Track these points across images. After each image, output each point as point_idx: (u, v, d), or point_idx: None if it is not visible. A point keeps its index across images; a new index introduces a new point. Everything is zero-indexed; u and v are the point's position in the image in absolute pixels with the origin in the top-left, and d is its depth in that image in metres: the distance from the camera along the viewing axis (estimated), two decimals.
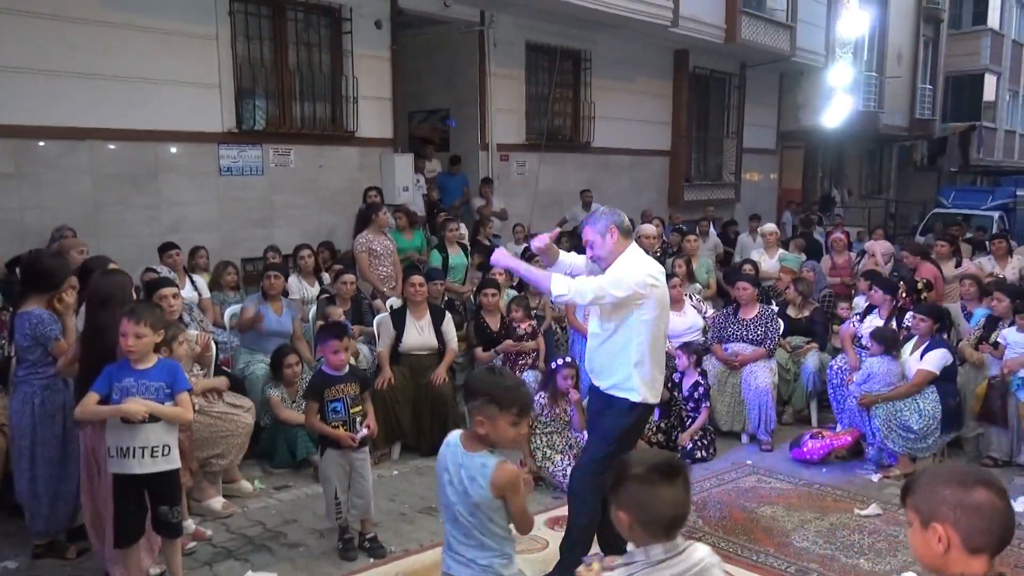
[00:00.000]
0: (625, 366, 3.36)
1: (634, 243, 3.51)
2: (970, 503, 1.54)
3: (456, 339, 5.66)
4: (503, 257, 3.51)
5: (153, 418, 3.07)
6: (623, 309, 3.33)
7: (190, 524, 3.95)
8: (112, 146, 6.92)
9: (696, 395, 5.63)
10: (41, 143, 6.53)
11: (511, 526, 2.39)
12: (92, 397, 3.06)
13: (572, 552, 3.55)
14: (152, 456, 3.09)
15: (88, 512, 3.40)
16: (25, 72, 6.26)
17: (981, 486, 1.55)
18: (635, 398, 3.37)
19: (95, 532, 3.42)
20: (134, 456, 3.07)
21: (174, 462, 3.18)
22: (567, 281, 3.31)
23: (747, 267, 7.35)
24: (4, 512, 4.09)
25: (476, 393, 2.32)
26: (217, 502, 4.34)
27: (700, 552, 1.89)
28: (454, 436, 2.40)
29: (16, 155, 6.41)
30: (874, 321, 6.03)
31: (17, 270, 5.85)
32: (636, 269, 3.33)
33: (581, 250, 3.65)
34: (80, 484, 3.45)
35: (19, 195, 6.43)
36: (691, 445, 5.46)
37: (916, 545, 1.63)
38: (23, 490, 3.66)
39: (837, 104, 14.76)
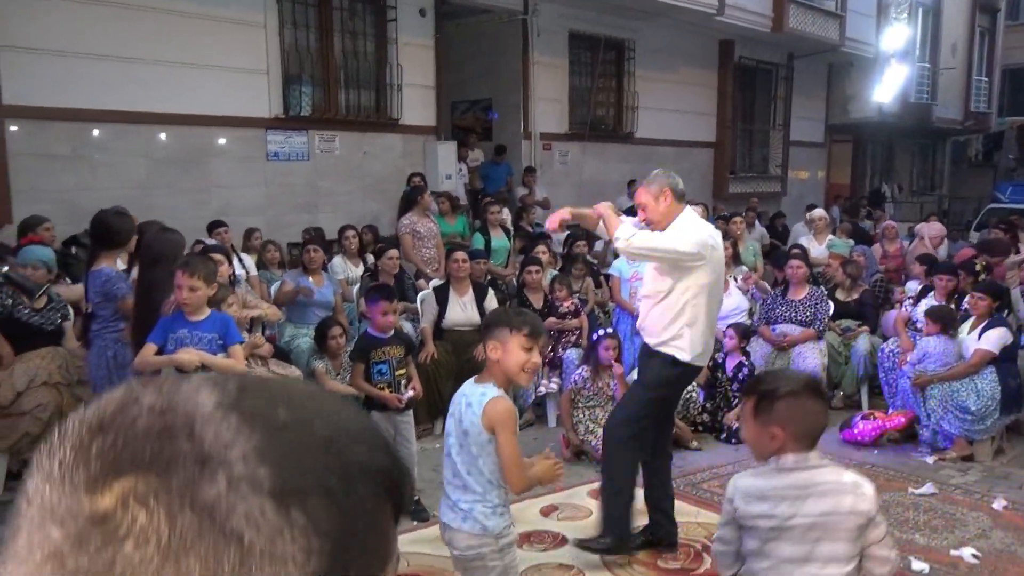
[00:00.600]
0: (677, 326, 3.33)
1: (689, 207, 3.45)
2: None
3: None
4: (605, 209, 3.47)
5: (205, 369, 3.11)
6: (679, 271, 3.29)
7: None
8: (163, 130, 7.08)
9: (740, 376, 5.53)
10: (95, 127, 6.70)
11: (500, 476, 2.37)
12: (149, 348, 3.12)
13: (616, 518, 3.51)
14: None
15: None
16: (81, 57, 6.42)
17: None
18: (682, 356, 3.34)
19: None
20: None
21: None
22: (633, 230, 3.29)
23: (795, 251, 7.22)
24: None
25: (489, 325, 2.41)
26: None
27: (838, 476, 1.95)
28: (472, 377, 2.47)
29: (72, 138, 6.59)
30: (929, 304, 5.86)
31: (73, 248, 6.04)
32: (696, 230, 3.32)
33: None
34: None
35: (75, 177, 6.60)
36: (737, 425, 5.36)
37: None
38: None
39: (890, 78, 14.19)
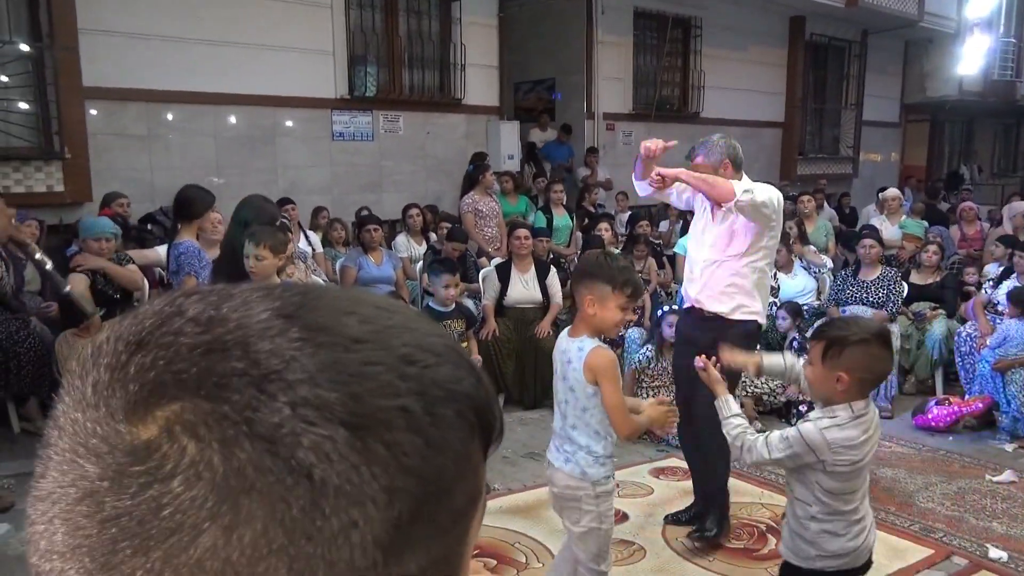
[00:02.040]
0: (747, 289, 3.27)
1: (746, 176, 3.36)
2: None
3: (561, 293, 5.63)
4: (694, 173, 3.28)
5: None
6: (752, 232, 3.22)
7: None
8: (232, 111, 7.24)
9: (794, 346, 5.40)
10: (168, 108, 6.89)
11: (608, 427, 2.37)
12: None
13: (723, 510, 3.46)
14: None
15: None
16: (154, 39, 6.59)
17: None
18: (760, 319, 3.32)
19: None
20: None
21: None
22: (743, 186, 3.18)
23: (866, 231, 6.97)
24: None
25: (589, 273, 2.31)
26: None
27: (876, 409, 2.17)
28: (565, 329, 2.41)
29: (146, 119, 6.79)
30: (1011, 286, 5.60)
31: (149, 225, 6.25)
32: (771, 188, 3.24)
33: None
34: None
35: (149, 156, 6.81)
36: (805, 408, 5.22)
37: None
38: None
39: (971, 54, 13.47)
